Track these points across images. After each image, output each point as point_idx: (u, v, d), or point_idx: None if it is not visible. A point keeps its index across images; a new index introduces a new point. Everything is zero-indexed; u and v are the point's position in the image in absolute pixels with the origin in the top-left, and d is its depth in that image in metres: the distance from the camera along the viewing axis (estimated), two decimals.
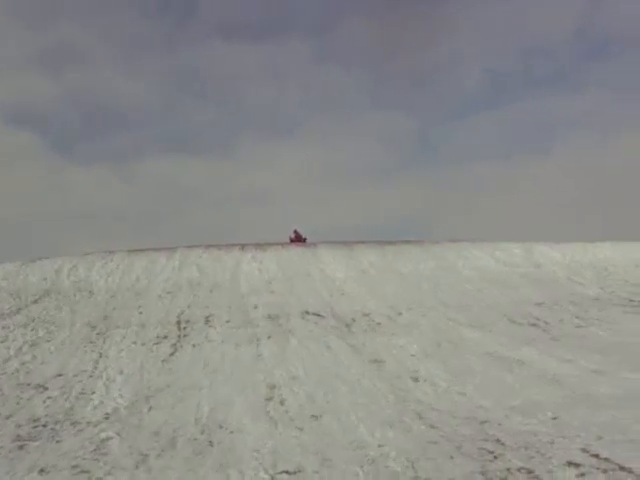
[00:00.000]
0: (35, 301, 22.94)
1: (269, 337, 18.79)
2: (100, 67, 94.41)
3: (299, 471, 9.66)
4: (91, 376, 16.10)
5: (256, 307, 21.99)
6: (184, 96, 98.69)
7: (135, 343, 18.58)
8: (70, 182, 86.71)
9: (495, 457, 9.78)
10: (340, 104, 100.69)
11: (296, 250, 29.69)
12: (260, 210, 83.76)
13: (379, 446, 10.61)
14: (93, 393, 14.90)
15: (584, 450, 9.70)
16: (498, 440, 10.60)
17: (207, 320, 20.64)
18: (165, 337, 19.04)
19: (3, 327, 20.10)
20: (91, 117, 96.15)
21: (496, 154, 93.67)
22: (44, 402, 14.35)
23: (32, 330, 19.79)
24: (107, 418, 13.27)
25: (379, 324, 20.24)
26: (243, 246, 29.86)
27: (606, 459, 9.22)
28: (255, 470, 9.79)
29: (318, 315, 21.06)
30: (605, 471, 8.78)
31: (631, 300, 22.83)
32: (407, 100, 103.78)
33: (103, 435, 12.09)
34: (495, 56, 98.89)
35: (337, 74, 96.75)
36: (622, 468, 8.81)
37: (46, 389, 15.19)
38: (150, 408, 13.80)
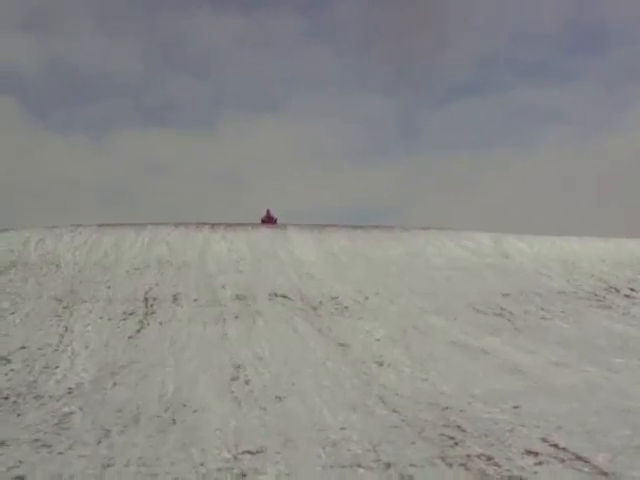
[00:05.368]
0: (0, 272, 22.69)
1: (236, 317, 18.81)
2: (80, 32, 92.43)
3: (261, 451, 9.69)
4: (56, 350, 15.99)
5: (224, 287, 21.97)
6: (165, 65, 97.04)
7: (102, 318, 18.50)
8: (44, 149, 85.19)
9: (455, 443, 9.88)
10: (325, 83, 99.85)
11: (266, 231, 29.67)
12: (235, 188, 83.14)
13: (341, 429, 10.68)
14: (57, 367, 14.81)
15: (543, 439, 9.84)
16: (459, 427, 10.72)
17: (174, 298, 20.59)
18: (132, 314, 18.97)
19: None
20: (69, 83, 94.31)
21: (478, 142, 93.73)
22: (6, 375, 14.21)
23: None
24: (70, 392, 13.20)
25: (346, 308, 20.32)
26: (213, 225, 29.78)
27: (564, 449, 9.37)
28: (218, 449, 9.79)
29: (285, 297, 21.10)
30: (562, 460, 8.93)
31: (596, 294, 23.13)
32: (393, 84, 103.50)
33: (66, 409, 12.01)
34: (484, 43, 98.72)
35: (325, 52, 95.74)
36: (579, 458, 8.96)
37: (9, 362, 15.07)
38: (114, 384, 13.76)
